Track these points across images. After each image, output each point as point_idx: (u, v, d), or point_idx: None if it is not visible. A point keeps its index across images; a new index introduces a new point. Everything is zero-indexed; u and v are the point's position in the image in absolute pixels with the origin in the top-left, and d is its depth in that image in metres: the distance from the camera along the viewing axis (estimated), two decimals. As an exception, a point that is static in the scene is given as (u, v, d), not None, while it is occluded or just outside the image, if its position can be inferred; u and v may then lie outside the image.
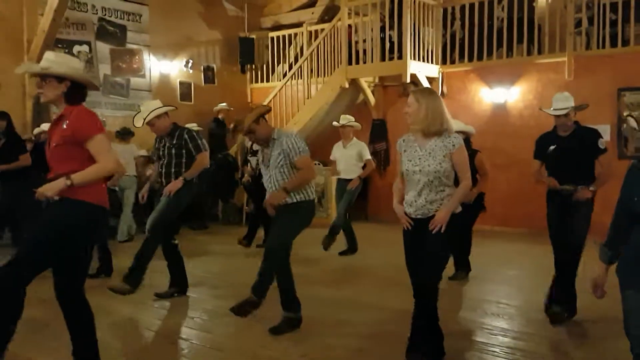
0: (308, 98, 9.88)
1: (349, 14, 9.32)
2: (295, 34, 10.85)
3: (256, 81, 11.36)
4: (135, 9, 9.68)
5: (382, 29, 9.14)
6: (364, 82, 9.64)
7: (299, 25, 10.87)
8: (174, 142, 4.73)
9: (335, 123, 7.02)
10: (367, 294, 5.02)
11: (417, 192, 3.19)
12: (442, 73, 9.25)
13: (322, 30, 9.90)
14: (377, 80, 9.89)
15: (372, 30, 9.19)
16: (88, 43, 9.14)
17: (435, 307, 3.27)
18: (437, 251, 3.19)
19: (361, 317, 4.30)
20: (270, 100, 10.15)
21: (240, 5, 11.29)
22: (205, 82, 10.67)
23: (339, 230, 6.54)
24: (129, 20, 9.64)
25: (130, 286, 4.51)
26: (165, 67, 10.13)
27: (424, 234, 3.17)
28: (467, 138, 5.12)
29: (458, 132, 4.91)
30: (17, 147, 6.41)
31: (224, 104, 9.83)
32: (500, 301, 4.76)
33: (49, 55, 2.98)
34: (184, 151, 4.72)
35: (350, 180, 6.53)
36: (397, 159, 3.37)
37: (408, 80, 8.73)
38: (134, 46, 9.72)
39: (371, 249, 6.97)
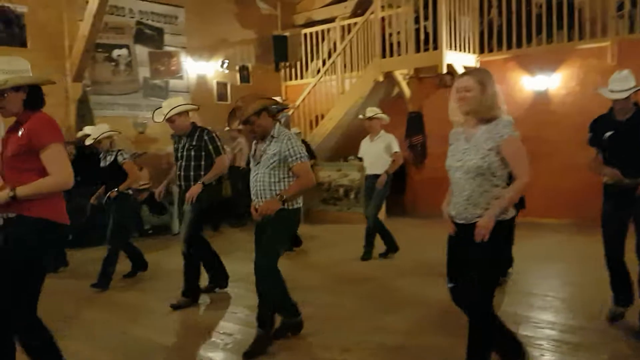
0: (342, 93, 9.87)
1: (382, 6, 9.24)
2: (328, 30, 10.84)
3: (290, 78, 11.41)
4: (171, 11, 9.85)
5: (417, 20, 9.03)
6: (399, 75, 9.54)
7: (331, 20, 10.84)
8: (194, 143, 4.60)
9: (360, 116, 6.68)
10: (404, 291, 4.98)
11: (459, 192, 2.77)
12: (480, 62, 9.07)
13: (355, 24, 9.85)
14: (412, 72, 9.78)
15: (405, 21, 9.08)
16: (127, 47, 9.35)
17: (489, 334, 2.77)
18: (481, 267, 2.69)
19: (400, 314, 4.27)
20: (305, 97, 10.18)
21: (274, 3, 11.36)
22: (241, 82, 10.77)
23: (375, 235, 6.23)
24: (165, 23, 9.82)
25: (192, 299, 4.64)
26: (201, 68, 10.28)
27: (468, 244, 2.72)
28: None
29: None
30: None
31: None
32: (546, 294, 4.65)
33: None
34: (203, 153, 4.59)
35: (378, 176, 6.14)
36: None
37: (444, 71, 8.60)
38: (172, 48, 9.90)
39: (408, 245, 6.89)
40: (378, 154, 6.20)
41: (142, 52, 9.51)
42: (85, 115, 8.38)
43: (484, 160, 2.67)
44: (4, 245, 2.58)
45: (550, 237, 7.37)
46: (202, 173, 4.58)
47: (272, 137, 3.52)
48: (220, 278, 5.01)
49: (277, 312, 3.64)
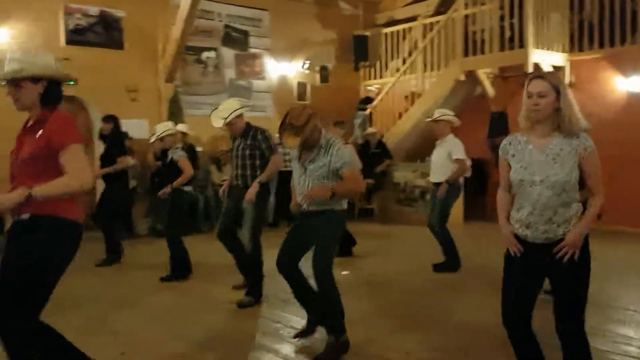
0: (422, 93, 9.77)
1: (466, 4, 9.05)
2: (410, 28, 10.76)
3: (369, 78, 11.44)
4: (256, 14, 10.22)
5: (502, 18, 8.76)
6: (482, 74, 9.30)
7: (413, 19, 10.76)
8: (248, 142, 4.66)
9: (427, 119, 6.27)
10: (473, 296, 4.90)
11: (535, 208, 2.51)
12: (570, 61, 8.64)
13: (437, 22, 9.72)
14: (496, 71, 9.50)
15: (490, 18, 8.83)
16: (215, 49, 9.82)
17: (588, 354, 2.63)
18: (575, 289, 2.52)
19: (464, 317, 4.22)
20: (383, 97, 10.19)
21: (355, 3, 11.45)
22: (320, 82, 10.96)
23: (447, 245, 5.78)
24: (251, 25, 10.20)
25: (255, 297, 4.65)
26: (283, 69, 10.58)
27: (547, 265, 2.54)
28: None
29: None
30: (117, 149, 6.50)
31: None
32: (627, 307, 4.40)
33: (14, 54, 2.53)
34: (257, 152, 4.64)
35: (438, 184, 5.73)
36: (501, 166, 2.69)
37: (531, 70, 8.28)
38: (256, 50, 10.27)
39: (486, 249, 6.73)
40: (439, 159, 5.80)
41: (228, 54, 9.95)
42: (175, 114, 8.88)
43: (570, 175, 2.48)
44: (23, 246, 2.45)
45: (633, 246, 6.90)
46: (258, 172, 4.64)
47: (321, 147, 3.48)
48: (260, 282, 4.82)
49: (325, 321, 3.52)
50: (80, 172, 2.44)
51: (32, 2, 7.89)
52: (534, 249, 2.55)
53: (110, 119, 6.59)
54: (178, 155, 5.67)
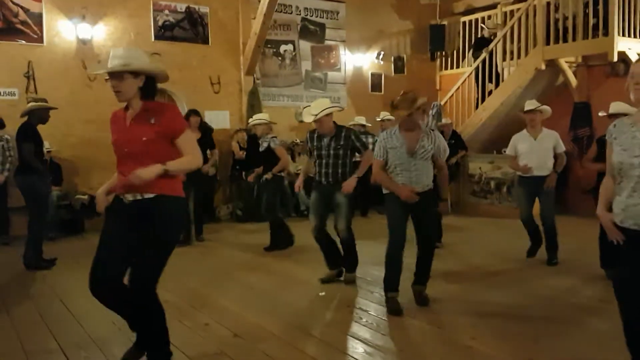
0: (500, 82, 9.57)
1: (548, -10, 8.75)
2: (489, 16, 10.52)
3: (445, 68, 11.32)
4: (333, 7, 10.39)
5: (587, 4, 8.40)
6: (564, 63, 8.98)
7: (493, 7, 10.52)
8: (341, 142, 4.90)
9: (519, 112, 6.06)
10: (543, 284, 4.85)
11: (635, 190, 2.42)
12: (659, 49, 8.17)
13: (518, 10, 9.46)
14: (579, 60, 9.14)
15: (575, 5, 8.50)
16: (292, 42, 10.11)
17: None
18: None
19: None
20: (459, 87, 10.06)
21: (433, -7, 11.34)
22: (395, 72, 10.99)
23: (555, 235, 5.69)
24: (327, 18, 10.39)
25: (354, 272, 5.11)
26: (358, 60, 10.69)
27: None
28: None
29: (623, 114, 4.30)
30: (206, 142, 6.95)
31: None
32: None
33: (117, 51, 2.83)
34: (349, 151, 4.93)
35: (544, 177, 5.59)
36: (608, 152, 2.60)
37: (615, 59, 7.92)
38: (332, 42, 10.46)
39: (567, 242, 6.56)
40: (545, 153, 5.65)
41: (305, 46, 10.20)
42: (254, 105, 9.26)
43: None
44: (155, 221, 2.79)
45: None
46: (348, 169, 4.95)
47: (426, 132, 4.17)
48: (356, 261, 5.18)
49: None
50: (197, 152, 2.91)
51: (125, 0, 8.48)
52: (634, 235, 2.41)
53: (196, 113, 7.01)
54: (275, 143, 6.31)
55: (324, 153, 4.95)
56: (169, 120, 2.81)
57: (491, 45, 9.71)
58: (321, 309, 4.40)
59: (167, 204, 2.81)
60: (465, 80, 10.04)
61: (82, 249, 6.71)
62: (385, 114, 8.75)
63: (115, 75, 2.77)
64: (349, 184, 4.84)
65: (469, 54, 10.80)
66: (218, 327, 3.85)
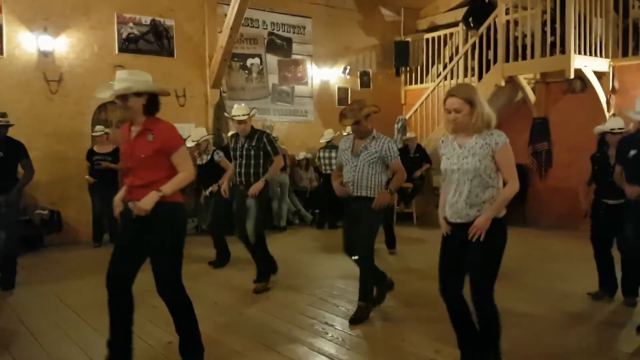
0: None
1: (507, 9, 9.04)
2: (451, 34, 10.81)
3: (410, 83, 11.55)
4: (300, 22, 10.50)
5: (545, 23, 8.72)
6: (523, 80, 9.27)
7: (455, 24, 10.81)
8: (254, 144, 5.10)
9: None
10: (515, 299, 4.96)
11: (458, 192, 3.02)
12: (613, 67, 8.53)
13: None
14: (538, 76, 9.45)
15: (533, 24, 8.80)
16: (259, 56, 10.15)
17: (498, 324, 3.02)
18: (482, 264, 2.96)
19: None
20: (423, 102, 10.26)
21: (397, 10, 11.58)
22: (361, 87, 11.15)
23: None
24: (294, 33, 10.49)
25: (266, 282, 5.18)
26: (325, 75, 10.81)
27: (464, 242, 2.99)
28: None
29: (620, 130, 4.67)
30: None
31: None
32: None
33: (121, 74, 3.17)
34: (261, 153, 5.10)
35: None
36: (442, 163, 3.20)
37: (572, 76, 8.23)
38: (299, 56, 10.55)
39: (525, 255, 6.74)
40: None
41: (272, 60, 10.26)
42: (221, 118, 9.22)
43: (481, 163, 2.92)
44: (156, 228, 3.07)
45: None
46: (261, 171, 5.09)
47: (373, 137, 4.26)
48: (270, 269, 5.36)
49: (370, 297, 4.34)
50: (191, 168, 3.22)
51: (88, 12, 8.35)
52: (455, 227, 3.05)
53: None
54: (219, 156, 6.45)
55: (238, 154, 5.19)
56: (166, 139, 3.11)
57: (453, 62, 9.95)
58: (285, 323, 4.38)
59: (166, 209, 3.06)
60: (429, 95, 10.25)
61: (42, 265, 6.54)
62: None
63: (120, 97, 3.10)
64: (255, 187, 5.01)
65: (433, 69, 11.05)
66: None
